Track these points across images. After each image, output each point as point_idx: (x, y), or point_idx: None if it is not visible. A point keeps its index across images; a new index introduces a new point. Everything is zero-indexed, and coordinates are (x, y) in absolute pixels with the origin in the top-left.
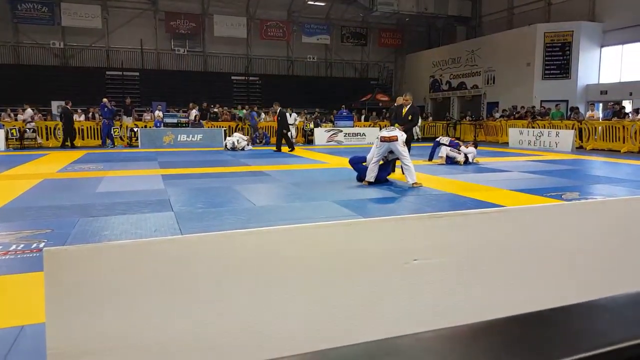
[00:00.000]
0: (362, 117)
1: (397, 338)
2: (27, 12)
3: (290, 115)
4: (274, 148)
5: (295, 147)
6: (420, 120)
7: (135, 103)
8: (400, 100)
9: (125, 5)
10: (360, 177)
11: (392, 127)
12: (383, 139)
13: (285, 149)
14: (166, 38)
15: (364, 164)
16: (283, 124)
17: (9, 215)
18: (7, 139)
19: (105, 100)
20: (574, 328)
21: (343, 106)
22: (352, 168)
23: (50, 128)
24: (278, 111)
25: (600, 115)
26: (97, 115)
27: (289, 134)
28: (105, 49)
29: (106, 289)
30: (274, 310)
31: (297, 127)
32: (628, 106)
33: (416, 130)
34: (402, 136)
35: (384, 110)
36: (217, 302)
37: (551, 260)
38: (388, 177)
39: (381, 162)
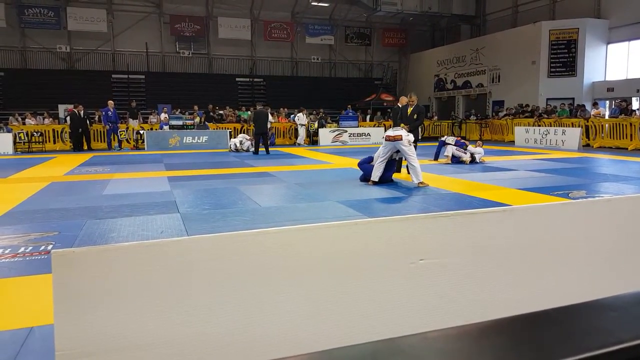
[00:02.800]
0: (367, 117)
1: (404, 338)
2: (33, 17)
3: (304, 115)
4: (263, 149)
5: (266, 152)
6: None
7: (141, 106)
8: (404, 100)
9: (130, 9)
10: (365, 178)
11: (398, 127)
12: (388, 138)
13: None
14: (171, 41)
15: (371, 163)
16: (261, 125)
17: (17, 218)
18: (15, 142)
19: (110, 103)
20: (580, 327)
21: (349, 106)
22: (359, 169)
23: (57, 131)
24: (257, 110)
25: (607, 113)
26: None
27: (301, 133)
28: (111, 52)
29: (114, 290)
30: (280, 310)
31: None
32: (635, 103)
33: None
34: (407, 136)
35: (389, 110)
36: (224, 301)
37: (558, 259)
38: (393, 177)
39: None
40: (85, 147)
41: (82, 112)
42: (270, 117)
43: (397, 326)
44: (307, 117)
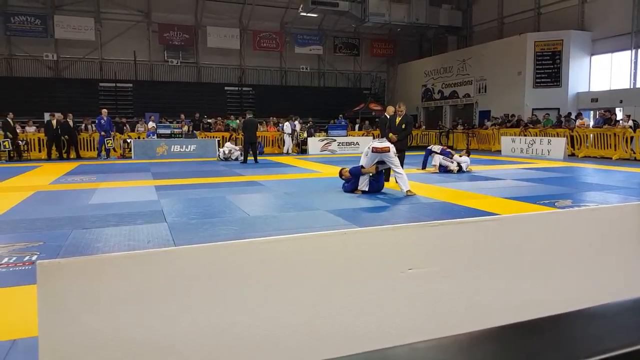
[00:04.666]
0: (356, 126)
1: (393, 348)
2: (20, 25)
3: (301, 124)
4: (251, 158)
5: (251, 161)
6: None
7: (129, 114)
8: (391, 109)
9: (119, 18)
10: (352, 189)
11: (384, 138)
12: (375, 150)
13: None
14: (159, 49)
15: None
16: (250, 135)
17: (0, 228)
18: None
19: (104, 111)
20: (569, 336)
21: (341, 115)
22: (349, 176)
23: (43, 140)
24: (247, 119)
25: (591, 123)
26: (89, 127)
27: (293, 141)
28: (99, 61)
29: (100, 302)
30: (271, 320)
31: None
32: (619, 114)
33: None
34: (392, 147)
35: (377, 119)
36: (212, 312)
37: (545, 268)
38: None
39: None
40: (65, 157)
41: (54, 122)
42: (296, 124)
43: (387, 336)
44: (299, 125)
